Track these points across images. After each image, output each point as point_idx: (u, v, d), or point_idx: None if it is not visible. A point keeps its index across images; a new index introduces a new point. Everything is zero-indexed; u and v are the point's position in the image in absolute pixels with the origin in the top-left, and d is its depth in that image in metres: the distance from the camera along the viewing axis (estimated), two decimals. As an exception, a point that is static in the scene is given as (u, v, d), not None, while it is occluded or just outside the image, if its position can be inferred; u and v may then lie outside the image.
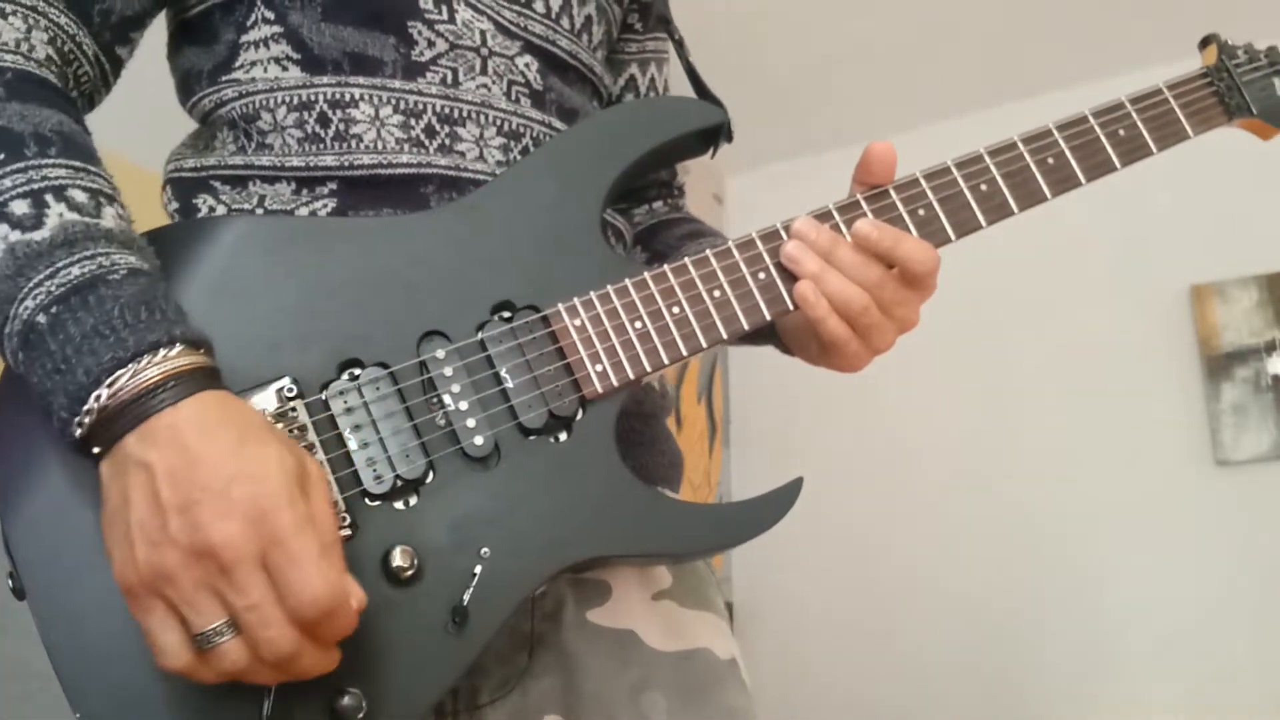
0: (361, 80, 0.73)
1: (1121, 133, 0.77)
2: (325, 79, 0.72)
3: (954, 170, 0.74)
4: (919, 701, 2.76)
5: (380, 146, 0.72)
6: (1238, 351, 2.66)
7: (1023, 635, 2.72)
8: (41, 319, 0.56)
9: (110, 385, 0.55)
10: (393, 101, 0.73)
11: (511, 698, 0.71)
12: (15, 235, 0.58)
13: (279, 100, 0.73)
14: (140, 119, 0.85)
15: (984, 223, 0.74)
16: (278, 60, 0.73)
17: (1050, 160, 0.75)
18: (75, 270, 0.57)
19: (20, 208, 0.59)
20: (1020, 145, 0.75)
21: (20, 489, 0.61)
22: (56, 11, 0.68)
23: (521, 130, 0.77)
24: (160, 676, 0.58)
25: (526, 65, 0.78)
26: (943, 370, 2.93)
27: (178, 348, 0.56)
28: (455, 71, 0.75)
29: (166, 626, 0.53)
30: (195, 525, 0.52)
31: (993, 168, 0.74)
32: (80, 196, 0.61)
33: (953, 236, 0.74)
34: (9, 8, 0.66)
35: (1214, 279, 2.73)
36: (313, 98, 0.72)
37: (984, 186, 0.74)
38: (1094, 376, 2.80)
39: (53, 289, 0.57)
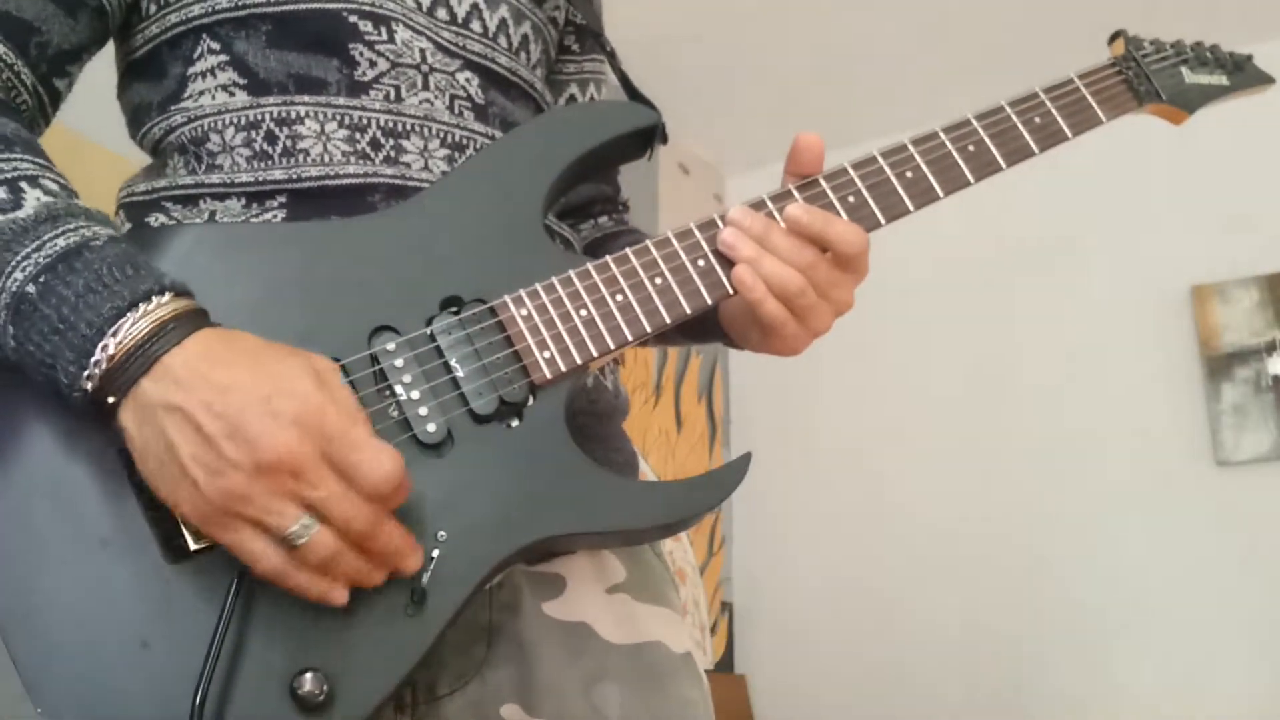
0: (307, 99, 0.75)
1: (1037, 120, 0.82)
2: (271, 99, 0.75)
3: (880, 159, 0.78)
4: (918, 701, 2.75)
5: (327, 159, 0.74)
6: (1238, 352, 2.66)
7: (1022, 636, 2.71)
8: (31, 289, 0.59)
9: (114, 334, 0.57)
10: (338, 117, 0.75)
11: (470, 687, 0.72)
12: None
13: (226, 122, 0.75)
14: (117, 109, 0.87)
15: (911, 207, 0.78)
16: (225, 87, 0.75)
17: (971, 147, 0.79)
18: (61, 241, 0.60)
19: None
20: (941, 134, 0.79)
21: None
22: None
23: (465, 142, 0.78)
24: (118, 669, 0.59)
25: (467, 80, 0.80)
26: (943, 370, 2.92)
27: (168, 294, 0.59)
28: (398, 88, 0.77)
29: (252, 537, 0.57)
30: (252, 445, 0.55)
31: (916, 156, 0.78)
32: (53, 185, 0.64)
33: (882, 220, 0.77)
34: None
35: (1214, 279, 2.72)
36: (259, 117, 0.74)
37: (909, 174, 0.78)
38: (1094, 377, 2.79)
39: (40, 260, 0.59)
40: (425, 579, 0.63)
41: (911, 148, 0.79)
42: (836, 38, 2.81)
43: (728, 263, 0.74)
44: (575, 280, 0.72)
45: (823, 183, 0.77)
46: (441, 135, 0.78)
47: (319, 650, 0.61)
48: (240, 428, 0.55)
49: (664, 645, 0.78)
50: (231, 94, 0.75)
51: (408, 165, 0.75)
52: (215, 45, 0.76)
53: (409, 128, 0.76)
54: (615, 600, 0.78)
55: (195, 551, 0.61)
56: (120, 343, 0.57)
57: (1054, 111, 0.82)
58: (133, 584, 0.61)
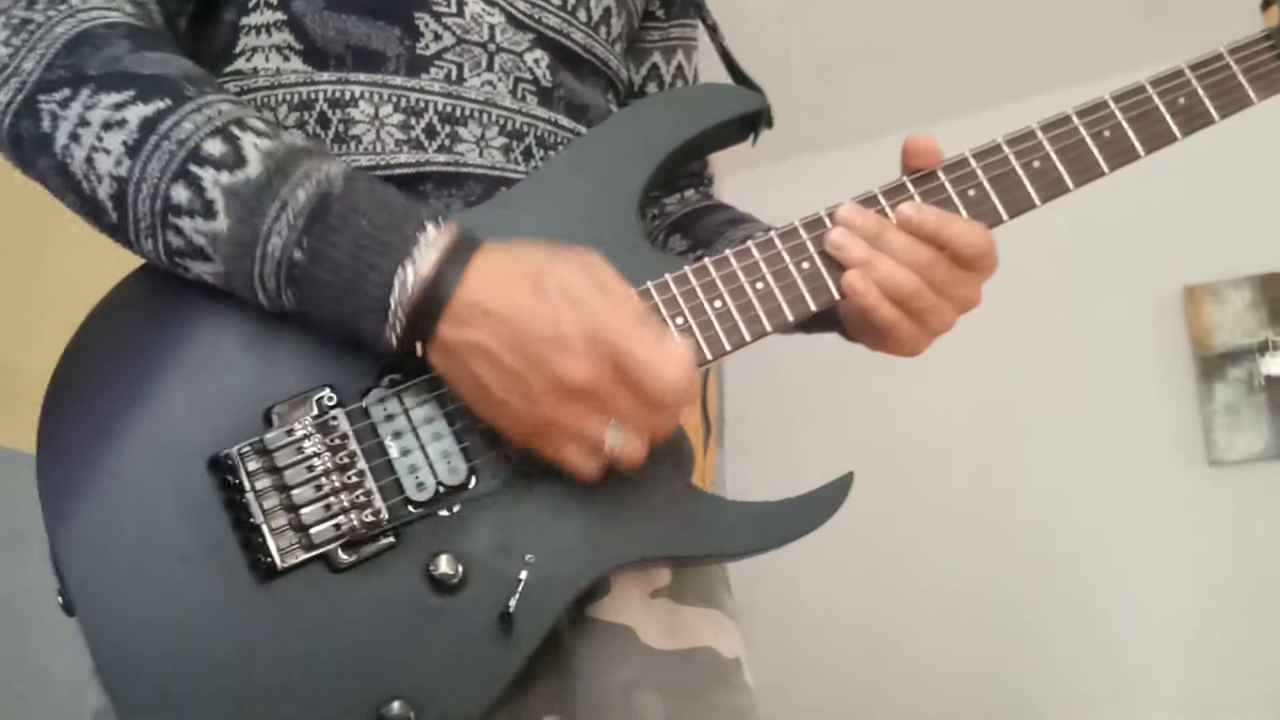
0: (363, 77, 0.72)
1: (1182, 100, 0.74)
2: (326, 75, 0.72)
3: (1005, 148, 0.72)
4: (917, 700, 2.76)
5: (379, 148, 0.71)
6: (1231, 352, 2.68)
7: (1018, 634, 2.73)
8: (298, 254, 0.60)
9: (401, 289, 0.59)
10: (393, 100, 0.72)
11: (514, 700, 0.69)
12: (226, 177, 0.60)
13: (280, 98, 0.72)
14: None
15: (1038, 201, 0.72)
16: (279, 49, 0.72)
17: (1107, 133, 0.72)
18: (301, 194, 0.60)
19: (216, 147, 0.61)
20: (1075, 119, 0.73)
21: (69, 505, 0.61)
22: None
23: (525, 129, 0.76)
24: (211, 692, 0.58)
25: (536, 61, 0.77)
26: (937, 371, 2.93)
27: (429, 229, 0.61)
28: (460, 67, 0.73)
29: (572, 451, 0.61)
30: (553, 375, 0.58)
31: (1046, 143, 0.72)
32: (260, 124, 0.63)
33: (1005, 216, 0.72)
34: None
35: (1207, 280, 2.74)
36: (313, 96, 0.71)
37: (1037, 163, 0.72)
38: (1087, 377, 2.81)
39: (292, 220, 0.60)
40: (513, 603, 0.62)
41: (1040, 134, 0.72)
42: (837, 39, 2.81)
43: (835, 264, 0.70)
44: (672, 286, 0.68)
45: (940, 175, 0.72)
46: (501, 122, 0.75)
47: (406, 677, 0.60)
48: (539, 361, 0.59)
49: (713, 651, 0.75)
50: (286, 58, 0.72)
51: (462, 154, 0.73)
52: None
53: (467, 113, 0.73)
54: (657, 605, 0.75)
55: (284, 571, 0.61)
56: (408, 296, 0.59)
57: (1200, 91, 0.74)
58: (221, 602, 0.60)
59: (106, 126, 0.61)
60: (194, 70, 0.65)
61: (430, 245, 0.60)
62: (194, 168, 0.60)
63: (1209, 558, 2.59)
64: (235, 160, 0.61)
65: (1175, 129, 0.73)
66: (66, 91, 0.61)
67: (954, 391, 2.94)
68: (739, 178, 3.37)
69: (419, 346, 0.61)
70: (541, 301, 0.59)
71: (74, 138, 0.61)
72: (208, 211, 0.61)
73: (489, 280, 0.60)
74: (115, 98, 0.61)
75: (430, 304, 0.60)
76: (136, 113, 0.61)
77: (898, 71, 2.93)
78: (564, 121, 0.78)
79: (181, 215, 0.61)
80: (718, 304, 0.69)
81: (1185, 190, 2.74)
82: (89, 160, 0.61)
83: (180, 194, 0.61)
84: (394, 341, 0.61)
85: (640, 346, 0.59)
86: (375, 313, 0.60)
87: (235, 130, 0.62)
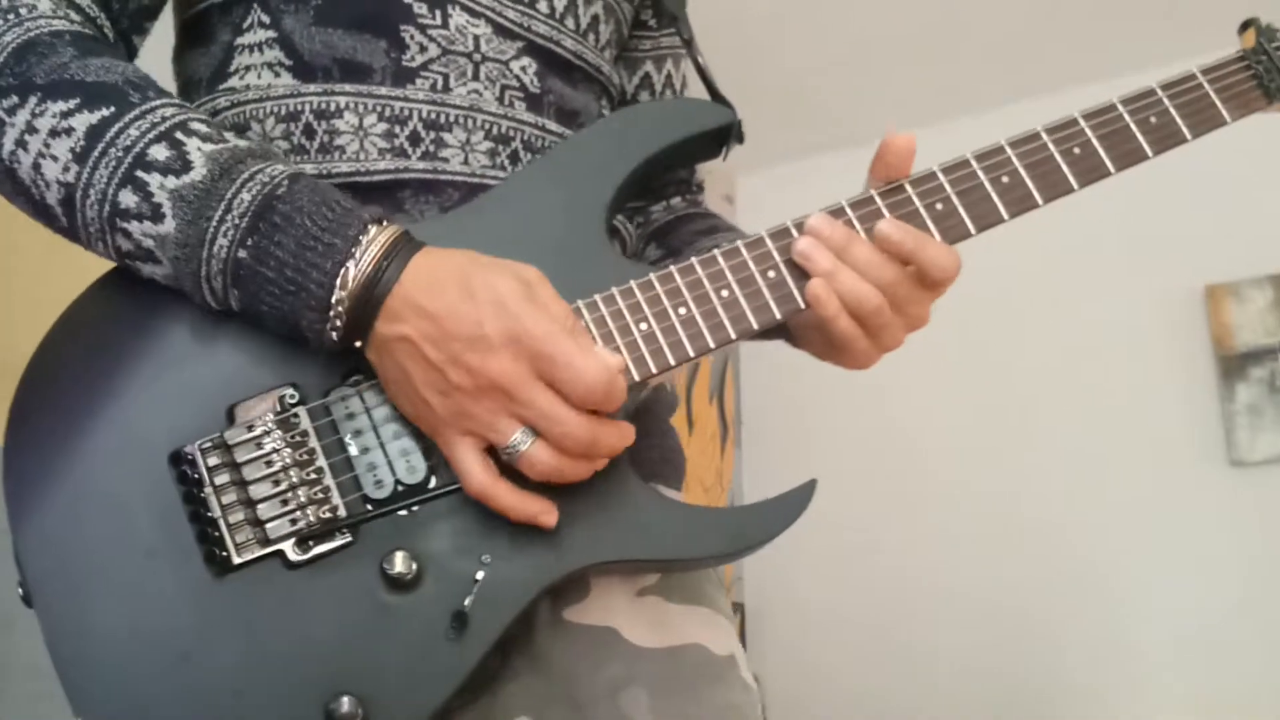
0: (348, 88, 0.73)
1: (1153, 120, 0.74)
2: (313, 87, 0.73)
3: (973, 163, 0.72)
4: (929, 702, 2.75)
5: (361, 156, 0.72)
6: (1252, 351, 2.64)
7: (1035, 636, 2.70)
8: (243, 254, 0.62)
9: (343, 287, 0.61)
10: (378, 109, 0.73)
11: (481, 701, 0.69)
12: (173, 181, 0.62)
13: (268, 110, 0.73)
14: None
15: (1006, 215, 0.72)
16: (270, 66, 0.74)
17: (1077, 150, 0.72)
18: (245, 196, 0.62)
19: (161, 152, 0.63)
20: (1044, 135, 0.73)
21: (32, 500, 0.62)
22: None
23: (511, 134, 0.76)
24: (157, 681, 0.59)
25: (523, 69, 0.77)
26: (954, 371, 2.92)
27: (371, 229, 0.62)
28: (446, 77, 0.74)
29: (469, 451, 0.62)
30: (471, 369, 0.60)
31: (1014, 159, 0.72)
32: (202, 127, 0.65)
33: (973, 230, 0.71)
34: None
35: (1228, 279, 2.71)
36: (299, 108, 0.73)
37: (1005, 179, 0.72)
38: (1108, 377, 2.78)
39: (237, 221, 0.62)
40: (467, 603, 0.62)
41: (1009, 150, 0.72)
42: (848, 39, 2.80)
43: (800, 274, 0.69)
44: (636, 292, 0.68)
45: (908, 188, 0.71)
46: (486, 127, 0.75)
47: (357, 674, 0.60)
48: (459, 355, 0.60)
49: (704, 648, 0.73)
50: (276, 74, 0.74)
51: (445, 160, 0.74)
52: (266, 19, 0.74)
53: (452, 120, 0.74)
54: (646, 603, 0.74)
55: (239, 566, 0.61)
56: (350, 292, 0.61)
57: (1172, 110, 0.74)
58: (177, 596, 0.61)
59: (54, 134, 0.63)
60: (137, 75, 0.66)
61: (371, 245, 0.62)
62: (140, 173, 0.62)
63: (1230, 558, 2.55)
64: (181, 164, 0.62)
65: (1147, 147, 0.73)
66: (14, 99, 0.63)
67: (971, 392, 2.92)
68: (752, 178, 3.37)
69: (358, 344, 0.63)
70: (469, 302, 0.60)
71: (21, 144, 0.63)
72: (155, 215, 0.62)
73: (424, 281, 0.61)
74: (62, 106, 0.63)
75: (369, 302, 0.61)
76: (83, 120, 0.63)
77: (908, 71, 2.92)
78: (552, 126, 0.78)
79: (129, 219, 0.63)
80: (682, 311, 0.68)
81: (1206, 189, 2.70)
82: (36, 167, 0.63)
83: (128, 199, 0.62)
84: (335, 337, 0.62)
85: (561, 346, 0.60)
86: (317, 310, 0.61)
87: (179, 135, 0.63)
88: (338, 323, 0.62)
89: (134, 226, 0.63)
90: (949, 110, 2.98)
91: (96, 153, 0.62)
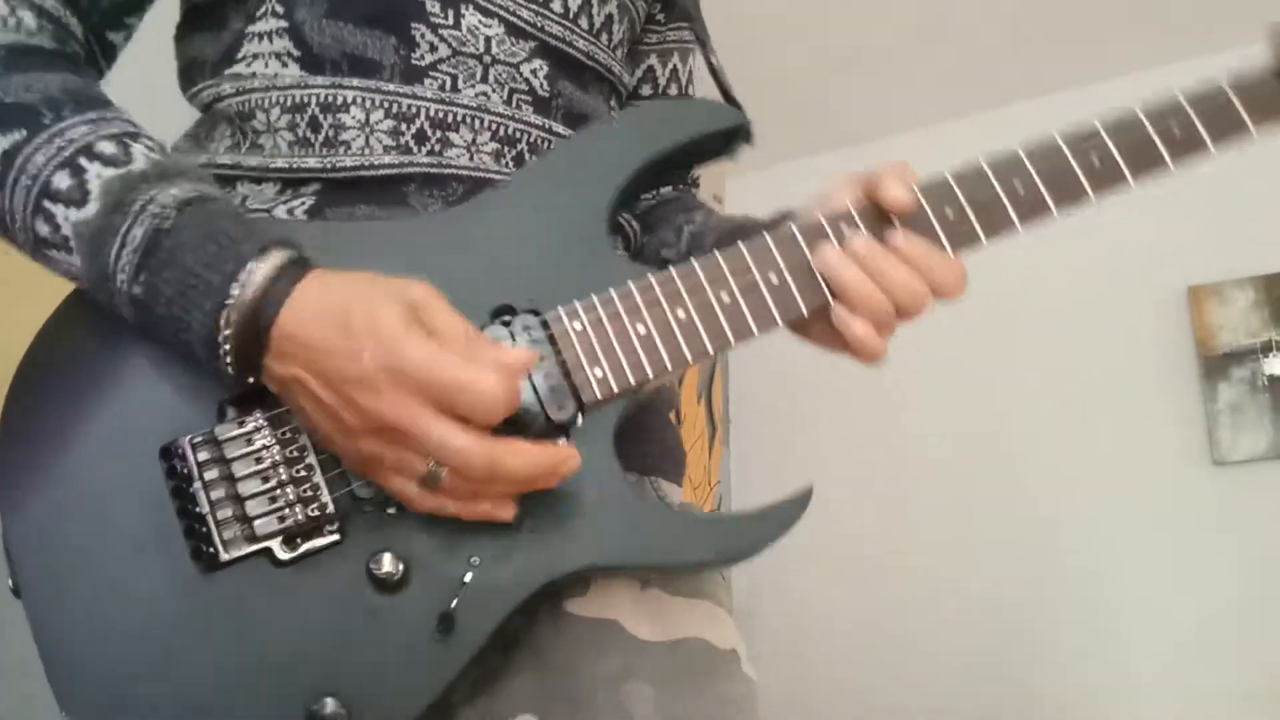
0: (356, 82, 0.72)
1: (1177, 131, 0.72)
2: (320, 79, 0.72)
3: (988, 170, 0.71)
4: (919, 701, 2.76)
5: (367, 151, 0.72)
6: (1235, 352, 2.67)
7: (1022, 635, 2.72)
8: (138, 290, 0.60)
9: (225, 327, 0.59)
10: (385, 105, 0.72)
11: (481, 697, 0.69)
12: (74, 213, 0.61)
13: (273, 100, 0.72)
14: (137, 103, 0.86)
15: (1019, 225, 0.71)
16: (278, 56, 0.73)
17: (1096, 160, 0.71)
18: (137, 231, 0.60)
19: (63, 181, 0.61)
20: (1061, 143, 0.71)
21: (23, 489, 0.62)
22: None
23: (518, 135, 0.75)
24: (150, 679, 0.59)
25: (534, 71, 0.77)
26: (940, 371, 2.93)
27: (249, 264, 0.59)
28: (455, 78, 0.74)
29: (403, 483, 0.60)
30: (362, 412, 0.57)
31: (1030, 167, 0.71)
32: (108, 148, 0.63)
33: (984, 239, 0.71)
34: None
35: (1211, 280, 2.73)
36: (305, 99, 0.72)
37: (1020, 188, 0.71)
38: (1092, 377, 2.80)
39: (130, 257, 0.60)
40: (454, 605, 0.61)
41: (1024, 157, 0.70)
42: (836, 41, 2.80)
43: (803, 278, 0.68)
44: (635, 294, 0.66)
45: (917, 192, 0.70)
46: (493, 128, 0.75)
47: (342, 674, 0.60)
48: (348, 398, 0.58)
49: (705, 641, 0.73)
50: (284, 64, 0.73)
51: (451, 159, 0.73)
52: (279, 8, 0.73)
53: (459, 118, 0.73)
54: (648, 596, 0.73)
55: (227, 563, 0.61)
56: (232, 332, 0.59)
57: (1197, 121, 0.72)
58: (164, 591, 0.61)
59: None
60: (62, 90, 0.65)
61: (248, 280, 0.59)
62: (47, 203, 0.62)
63: (1213, 557, 2.57)
64: (80, 195, 0.61)
65: (1168, 159, 0.71)
66: None
67: (958, 392, 2.94)
68: (740, 179, 3.37)
69: (251, 380, 0.61)
70: (346, 336, 0.57)
71: None
72: (65, 246, 0.62)
73: (303, 315, 0.59)
74: None
75: (253, 339, 0.59)
76: None
77: (897, 74, 2.93)
78: (558, 129, 0.78)
79: (49, 248, 0.63)
80: (681, 314, 0.67)
81: (1190, 190, 2.71)
82: None
83: (42, 228, 0.62)
84: (230, 374, 0.61)
85: (447, 372, 0.57)
86: (206, 348, 0.60)
87: (82, 160, 0.62)
88: (227, 360, 0.60)
89: (54, 254, 0.63)
90: (938, 113, 2.99)
91: (10, 179, 0.62)
